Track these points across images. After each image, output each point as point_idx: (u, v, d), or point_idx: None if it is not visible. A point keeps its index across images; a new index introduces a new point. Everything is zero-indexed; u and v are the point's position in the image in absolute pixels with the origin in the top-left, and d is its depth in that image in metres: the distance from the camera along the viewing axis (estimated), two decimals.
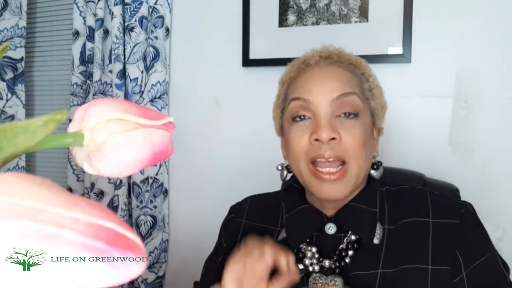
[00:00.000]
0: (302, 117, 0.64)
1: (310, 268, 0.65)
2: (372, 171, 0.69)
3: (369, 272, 0.62)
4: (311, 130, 0.62)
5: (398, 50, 1.24)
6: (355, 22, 1.29)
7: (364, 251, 0.64)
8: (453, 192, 0.95)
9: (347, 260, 0.64)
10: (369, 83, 0.68)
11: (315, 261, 0.66)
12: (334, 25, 1.31)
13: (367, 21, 1.27)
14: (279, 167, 0.73)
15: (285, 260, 0.58)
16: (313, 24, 1.33)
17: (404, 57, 1.24)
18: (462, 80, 1.22)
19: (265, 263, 0.57)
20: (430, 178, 1.01)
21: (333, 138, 0.61)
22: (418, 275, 0.60)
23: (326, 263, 0.64)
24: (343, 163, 0.62)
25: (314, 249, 0.66)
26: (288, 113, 0.67)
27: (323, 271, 0.65)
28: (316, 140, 0.61)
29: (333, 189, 0.62)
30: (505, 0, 1.17)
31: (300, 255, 0.67)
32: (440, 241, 0.62)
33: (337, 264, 0.64)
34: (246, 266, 0.58)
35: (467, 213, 0.64)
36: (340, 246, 0.65)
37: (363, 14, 1.28)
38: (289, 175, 0.72)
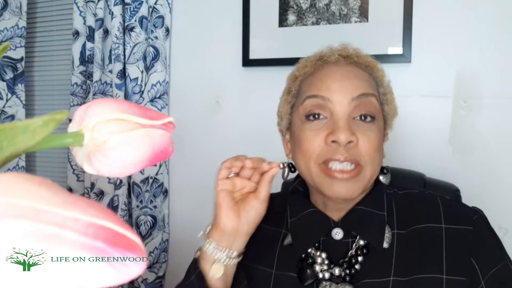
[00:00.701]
0: (317, 116, 0.62)
1: (320, 275, 0.63)
2: (381, 177, 0.67)
3: (381, 280, 0.60)
4: (328, 131, 0.60)
5: (398, 50, 1.24)
6: (355, 22, 1.29)
7: (374, 257, 0.62)
8: (454, 192, 0.94)
9: (357, 266, 0.62)
10: (383, 88, 0.67)
11: (325, 267, 0.64)
12: (334, 25, 1.31)
13: (367, 21, 1.27)
14: (281, 165, 0.70)
15: (266, 163, 0.65)
16: (313, 24, 1.33)
17: (404, 57, 1.24)
18: (462, 80, 1.22)
19: (250, 179, 0.65)
20: (430, 178, 1.01)
21: (351, 141, 0.59)
22: (432, 285, 0.58)
23: (336, 271, 0.62)
24: (358, 164, 0.60)
25: (324, 255, 0.64)
26: (302, 111, 0.63)
27: (333, 278, 0.63)
28: (333, 141, 0.59)
29: (344, 187, 0.59)
30: (505, 1, 1.17)
31: (310, 261, 0.65)
32: (454, 248, 0.61)
33: (347, 272, 0.62)
34: (235, 183, 0.65)
35: (480, 219, 0.63)
36: (349, 253, 0.64)
37: (363, 14, 1.28)
38: (290, 174, 0.70)
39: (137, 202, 1.52)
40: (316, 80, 0.64)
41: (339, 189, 0.60)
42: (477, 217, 0.63)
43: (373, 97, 0.62)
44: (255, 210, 0.63)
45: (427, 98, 1.24)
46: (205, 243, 0.64)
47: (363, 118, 0.61)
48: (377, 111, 0.63)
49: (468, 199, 0.97)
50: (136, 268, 0.18)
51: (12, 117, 1.70)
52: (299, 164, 0.65)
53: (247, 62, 1.41)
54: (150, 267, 1.52)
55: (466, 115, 1.22)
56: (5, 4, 1.66)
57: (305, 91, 0.65)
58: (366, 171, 0.61)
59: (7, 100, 1.70)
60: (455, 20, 1.21)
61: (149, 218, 1.53)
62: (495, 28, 1.18)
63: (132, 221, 1.54)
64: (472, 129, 1.22)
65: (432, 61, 1.24)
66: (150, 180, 1.51)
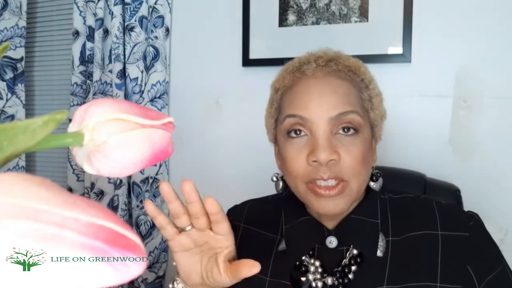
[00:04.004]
0: (298, 132, 0.61)
1: (314, 284, 0.63)
2: (372, 183, 0.65)
3: None
4: (309, 150, 0.59)
5: (398, 50, 1.24)
6: (355, 22, 1.28)
7: (367, 266, 0.62)
8: (454, 192, 0.94)
9: (350, 276, 0.62)
10: (369, 91, 0.64)
11: (318, 276, 0.63)
12: (334, 25, 1.31)
13: (367, 21, 1.27)
14: (274, 178, 0.69)
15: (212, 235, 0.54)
16: (313, 24, 1.33)
17: (404, 57, 1.24)
18: (462, 80, 1.22)
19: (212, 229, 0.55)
20: (431, 178, 1.00)
21: (332, 159, 0.58)
22: None
23: (329, 280, 0.62)
24: (342, 180, 0.59)
25: (317, 263, 0.64)
26: (283, 128, 0.63)
27: None
28: (315, 161, 0.58)
29: (331, 205, 0.59)
30: (505, 1, 1.17)
31: (303, 269, 0.65)
32: (449, 255, 0.60)
33: (340, 281, 0.62)
34: (193, 239, 0.56)
35: (476, 225, 0.63)
36: (343, 262, 0.63)
37: (363, 14, 1.28)
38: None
39: (137, 202, 1.52)
40: (294, 97, 0.63)
41: (327, 206, 0.59)
42: (473, 222, 0.62)
43: (353, 114, 0.60)
44: (222, 283, 0.56)
45: (427, 98, 1.24)
46: None
47: (345, 130, 0.60)
48: (359, 125, 0.60)
49: (468, 200, 0.97)
50: (136, 268, 0.18)
51: (12, 117, 1.70)
52: (287, 180, 0.65)
53: (247, 62, 1.41)
54: (150, 267, 1.52)
55: (466, 115, 1.22)
56: (5, 4, 1.66)
57: (285, 109, 0.63)
58: (352, 185, 0.60)
59: (7, 100, 1.70)
60: (455, 20, 1.21)
61: (149, 218, 1.53)
62: (495, 28, 1.18)
63: (132, 221, 1.54)
64: (472, 129, 1.21)
65: (432, 61, 1.24)
66: (150, 180, 1.51)
